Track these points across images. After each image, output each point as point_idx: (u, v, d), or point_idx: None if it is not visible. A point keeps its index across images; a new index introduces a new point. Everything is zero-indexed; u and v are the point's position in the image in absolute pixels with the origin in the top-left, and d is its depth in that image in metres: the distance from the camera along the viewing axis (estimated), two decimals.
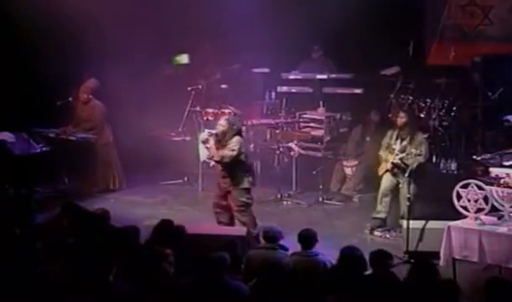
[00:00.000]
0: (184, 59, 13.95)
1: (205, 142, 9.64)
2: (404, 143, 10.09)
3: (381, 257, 6.92)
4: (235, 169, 9.47)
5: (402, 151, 10.06)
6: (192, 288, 6.43)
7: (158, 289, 6.46)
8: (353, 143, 12.25)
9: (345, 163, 12.05)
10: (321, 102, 12.93)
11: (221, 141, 9.50)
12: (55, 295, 6.25)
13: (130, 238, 7.31)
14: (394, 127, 10.36)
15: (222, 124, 9.56)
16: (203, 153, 11.87)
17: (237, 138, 9.48)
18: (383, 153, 10.32)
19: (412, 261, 8.70)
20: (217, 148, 9.48)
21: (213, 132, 9.61)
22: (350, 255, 7.01)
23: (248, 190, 9.53)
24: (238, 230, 9.14)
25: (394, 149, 10.13)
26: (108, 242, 7.25)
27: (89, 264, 6.64)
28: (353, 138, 12.32)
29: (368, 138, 12.09)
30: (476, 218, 8.29)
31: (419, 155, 9.85)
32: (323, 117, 12.61)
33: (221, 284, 6.40)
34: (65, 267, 6.69)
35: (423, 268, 6.71)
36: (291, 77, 13.62)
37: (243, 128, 11.11)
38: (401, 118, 10.24)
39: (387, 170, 10.22)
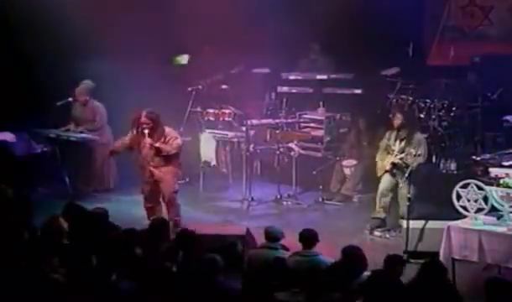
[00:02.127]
0: (184, 59, 13.96)
1: (151, 146, 9.81)
2: (403, 143, 10.10)
3: (395, 262, 6.96)
4: (172, 158, 9.89)
5: (401, 151, 10.07)
6: (187, 288, 6.46)
7: (159, 289, 6.47)
8: (348, 145, 12.26)
9: (345, 163, 12.05)
10: (321, 103, 12.95)
11: (154, 136, 9.80)
12: (56, 295, 6.26)
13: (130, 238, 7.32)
14: (392, 127, 10.37)
15: (146, 121, 9.78)
16: (204, 154, 11.96)
17: (169, 129, 10.02)
18: (380, 156, 10.33)
19: (419, 261, 8.67)
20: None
21: (145, 132, 9.79)
22: (352, 254, 7.04)
23: (177, 179, 10.12)
24: (238, 230, 9.17)
25: (393, 150, 10.15)
26: (109, 242, 7.27)
27: (90, 264, 6.66)
28: (349, 141, 12.33)
29: (364, 143, 12.10)
30: (475, 218, 8.30)
31: (418, 155, 9.86)
32: (323, 118, 12.64)
33: (213, 285, 6.42)
34: (65, 267, 6.70)
35: (433, 268, 6.73)
36: (291, 77, 13.64)
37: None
38: (397, 119, 10.26)
39: (386, 171, 10.23)
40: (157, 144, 9.80)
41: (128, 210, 10.88)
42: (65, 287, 6.31)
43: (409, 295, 6.50)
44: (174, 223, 9.66)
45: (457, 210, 8.42)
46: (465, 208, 8.36)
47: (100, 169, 12.00)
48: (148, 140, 9.79)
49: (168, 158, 9.91)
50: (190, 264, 6.95)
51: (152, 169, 9.93)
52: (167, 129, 9.97)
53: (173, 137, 9.91)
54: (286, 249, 7.76)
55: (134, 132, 9.98)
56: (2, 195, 8.86)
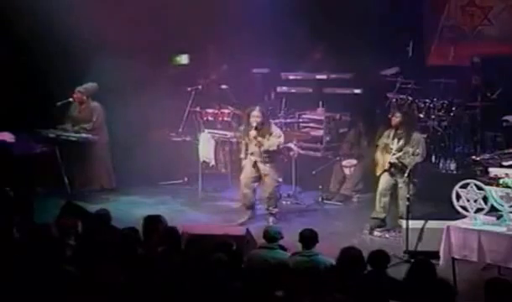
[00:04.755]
0: (184, 59, 13.96)
1: (255, 139, 10.44)
2: (401, 142, 10.10)
3: (378, 258, 6.96)
4: (276, 154, 10.58)
5: (399, 150, 10.06)
6: (189, 288, 6.45)
7: (158, 289, 6.46)
8: (348, 144, 12.27)
9: (344, 163, 12.06)
10: (320, 102, 12.95)
11: (260, 131, 10.43)
12: (55, 295, 6.25)
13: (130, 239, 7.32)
14: (391, 126, 10.37)
15: (258, 115, 10.43)
16: (203, 154, 11.94)
17: (275, 126, 10.84)
18: (379, 155, 10.33)
19: (411, 260, 8.69)
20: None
21: (253, 125, 10.41)
22: (349, 255, 7.04)
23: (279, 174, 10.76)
24: (238, 230, 9.16)
25: (391, 149, 10.14)
26: (109, 242, 7.27)
27: (89, 264, 6.65)
28: (349, 140, 12.33)
29: (364, 143, 12.11)
30: (475, 218, 8.30)
31: (416, 155, 9.85)
32: (323, 118, 12.65)
33: (217, 285, 6.42)
34: (65, 267, 6.69)
35: (421, 267, 6.73)
36: (291, 77, 13.63)
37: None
38: (396, 118, 10.26)
39: (385, 170, 10.23)
40: (259, 138, 10.40)
41: (127, 210, 10.88)
42: (64, 287, 6.30)
43: (400, 294, 6.50)
44: (270, 213, 10.63)
45: (457, 210, 8.41)
46: (465, 208, 8.36)
47: (99, 169, 11.99)
48: (252, 132, 10.42)
49: (273, 154, 10.52)
50: (191, 264, 6.94)
51: (259, 163, 10.56)
52: (273, 126, 10.66)
53: (276, 135, 10.54)
54: (284, 249, 7.75)
55: (246, 126, 10.67)
56: (3, 195, 8.87)
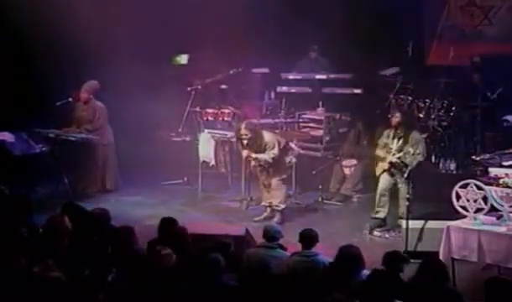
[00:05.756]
0: (184, 59, 13.96)
1: (248, 157, 10.57)
2: (401, 142, 10.10)
3: (395, 260, 6.96)
4: (280, 159, 10.55)
5: (399, 150, 10.07)
6: (188, 289, 6.44)
7: (155, 290, 6.45)
8: (348, 145, 12.27)
9: (344, 163, 12.05)
10: (320, 102, 12.94)
11: (252, 147, 10.41)
12: (53, 296, 6.25)
13: (125, 238, 7.30)
14: (391, 126, 10.38)
15: (245, 133, 10.40)
16: (203, 154, 11.95)
17: (268, 136, 10.54)
18: (380, 152, 10.33)
19: (419, 261, 8.67)
20: (255, 152, 10.46)
21: (244, 143, 10.46)
22: (347, 253, 7.03)
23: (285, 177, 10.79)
24: (238, 229, 9.15)
25: (391, 149, 10.15)
26: (107, 242, 7.26)
27: (88, 264, 6.65)
28: (349, 141, 12.34)
29: (364, 143, 12.11)
30: (475, 218, 8.30)
31: (417, 154, 9.85)
32: (322, 117, 12.62)
33: (215, 285, 6.41)
34: (63, 267, 6.68)
35: (433, 267, 6.73)
36: (291, 77, 13.63)
37: None
38: (396, 118, 10.28)
39: (384, 170, 10.23)
40: (253, 155, 10.50)
41: (128, 211, 10.88)
42: (62, 287, 6.29)
43: (409, 294, 6.49)
44: (277, 210, 10.68)
45: (457, 210, 8.42)
46: (464, 208, 8.36)
47: (100, 170, 11.99)
48: (244, 152, 10.52)
49: (276, 161, 10.50)
50: (190, 264, 6.93)
51: (264, 167, 10.63)
52: (267, 137, 10.55)
53: (270, 146, 10.46)
54: (284, 249, 7.75)
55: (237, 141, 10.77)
56: (2, 195, 8.87)
